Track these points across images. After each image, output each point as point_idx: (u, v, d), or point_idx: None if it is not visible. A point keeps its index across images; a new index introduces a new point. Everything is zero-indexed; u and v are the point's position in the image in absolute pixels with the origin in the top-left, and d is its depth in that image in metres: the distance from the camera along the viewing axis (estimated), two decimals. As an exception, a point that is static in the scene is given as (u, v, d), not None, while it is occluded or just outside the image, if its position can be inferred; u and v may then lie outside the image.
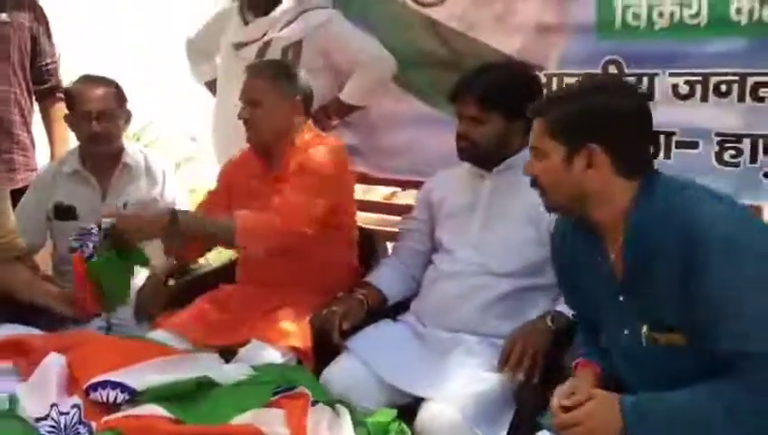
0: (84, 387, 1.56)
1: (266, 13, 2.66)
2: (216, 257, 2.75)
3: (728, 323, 1.28)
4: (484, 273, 1.96)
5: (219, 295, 2.27)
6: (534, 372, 1.74)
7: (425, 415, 1.69)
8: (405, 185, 3.04)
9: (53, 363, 1.61)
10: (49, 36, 2.76)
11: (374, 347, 1.92)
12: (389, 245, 2.48)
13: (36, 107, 2.82)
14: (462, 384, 1.74)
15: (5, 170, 2.59)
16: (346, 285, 2.23)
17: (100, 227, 1.96)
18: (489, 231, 2.00)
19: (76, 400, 1.52)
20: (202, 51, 3.00)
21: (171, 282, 2.43)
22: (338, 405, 1.60)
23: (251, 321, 2.13)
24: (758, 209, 2.22)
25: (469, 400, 1.69)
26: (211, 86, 3.01)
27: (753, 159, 2.26)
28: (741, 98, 2.25)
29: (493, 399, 1.74)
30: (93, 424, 1.48)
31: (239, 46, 2.71)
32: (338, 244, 2.28)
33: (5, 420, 1.47)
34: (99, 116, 2.33)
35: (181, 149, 4.04)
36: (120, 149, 2.43)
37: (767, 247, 1.32)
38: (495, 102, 1.94)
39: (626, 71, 2.42)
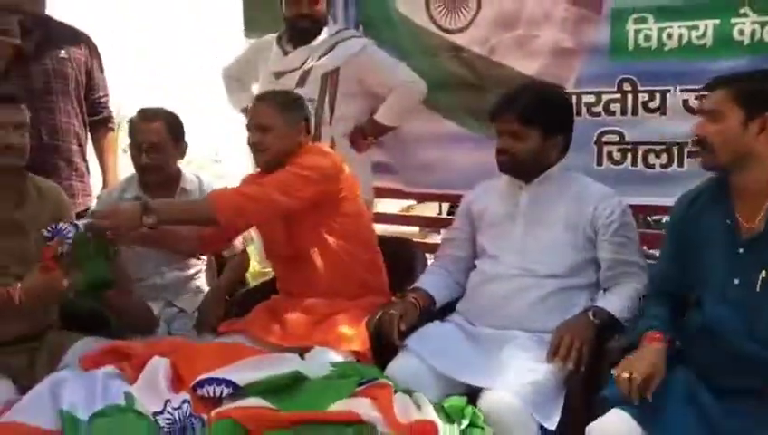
0: (191, 384, 1.75)
1: (305, 43, 2.86)
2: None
3: None
4: (528, 275, 2.17)
5: (272, 305, 2.44)
6: (582, 361, 1.95)
7: (486, 402, 1.88)
8: (435, 199, 3.25)
9: (159, 365, 1.80)
10: (101, 70, 2.95)
11: (430, 345, 2.11)
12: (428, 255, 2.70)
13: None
14: (517, 374, 1.93)
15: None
16: (383, 292, 2.45)
17: (74, 224, 1.98)
18: (530, 237, 2.21)
19: (185, 396, 1.71)
20: (238, 79, 3.20)
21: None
22: (416, 393, 1.80)
23: (307, 328, 2.30)
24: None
25: (525, 388, 1.89)
26: (247, 113, 3.21)
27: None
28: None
29: (546, 387, 1.94)
30: (204, 416, 1.67)
31: (279, 75, 2.91)
32: (367, 256, 2.47)
33: (126, 414, 1.66)
34: (148, 148, 2.51)
35: (208, 169, 4.21)
36: (178, 175, 2.62)
37: None
38: (535, 119, 2.15)
39: (639, 88, 2.65)
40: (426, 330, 2.19)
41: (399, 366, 2.07)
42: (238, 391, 1.73)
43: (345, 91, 2.84)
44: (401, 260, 2.63)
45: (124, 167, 3.02)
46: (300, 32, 2.85)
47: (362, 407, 1.67)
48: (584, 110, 2.72)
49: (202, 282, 2.69)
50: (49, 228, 1.96)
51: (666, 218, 3.24)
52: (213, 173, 4.33)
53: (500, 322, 2.15)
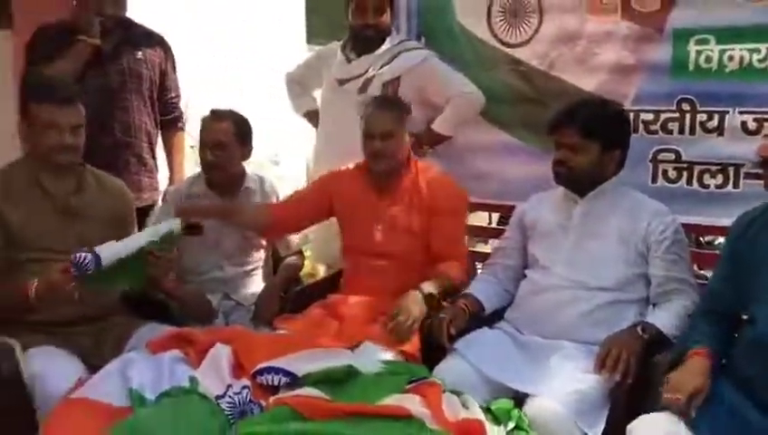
0: (251, 372, 1.84)
1: (368, 52, 2.96)
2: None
3: None
4: (578, 287, 2.21)
5: (329, 303, 2.54)
6: (629, 373, 1.98)
7: (532, 408, 1.93)
8: (486, 208, 3.29)
9: (221, 352, 1.90)
10: (174, 71, 3.09)
11: (479, 350, 2.17)
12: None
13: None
14: (563, 382, 1.98)
15: (134, 190, 2.90)
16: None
17: (95, 257, 1.97)
18: (582, 249, 2.25)
19: (245, 382, 1.82)
20: (302, 85, 3.31)
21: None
22: (464, 394, 1.86)
23: (361, 326, 2.39)
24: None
25: (571, 396, 1.93)
26: (310, 117, 3.32)
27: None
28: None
29: (591, 396, 1.97)
30: (263, 402, 1.76)
31: (342, 82, 3.01)
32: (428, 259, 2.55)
33: (190, 396, 1.76)
34: (214, 147, 2.63)
35: (267, 170, 4.35)
36: (242, 175, 2.73)
37: None
38: (595, 132, 2.19)
39: (698, 108, 2.66)
40: (475, 335, 2.25)
41: (448, 368, 2.13)
42: (295, 381, 1.82)
43: (404, 99, 2.92)
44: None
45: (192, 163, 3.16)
46: (364, 41, 2.94)
47: (412, 403, 1.74)
48: (641, 127, 2.73)
49: (259, 278, 2.79)
50: (75, 257, 1.96)
51: (719, 240, 3.25)
52: (272, 174, 4.45)
53: (549, 331, 2.20)
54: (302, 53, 4.86)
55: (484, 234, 3.58)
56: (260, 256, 2.81)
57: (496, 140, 3.06)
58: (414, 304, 2.28)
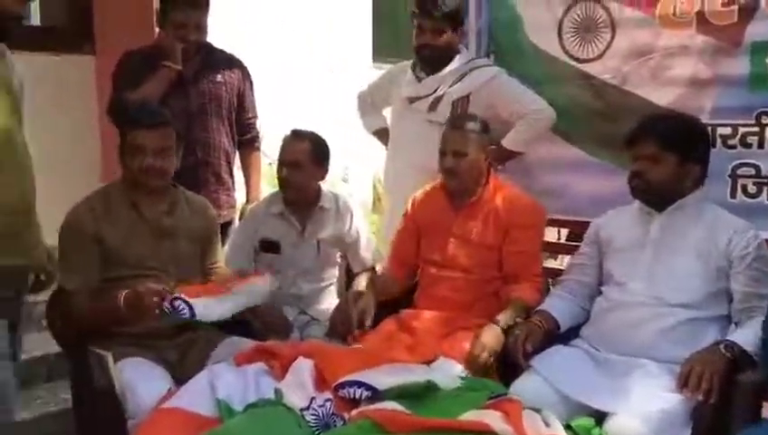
0: (333, 385, 1.89)
1: (438, 71, 3.00)
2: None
3: None
4: (656, 304, 2.18)
5: (402, 318, 2.58)
6: (712, 393, 1.94)
7: (613, 427, 1.92)
8: (557, 224, 3.27)
9: (304, 365, 1.96)
10: (252, 93, 3.20)
11: (556, 367, 2.16)
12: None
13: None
14: (645, 401, 1.96)
15: (213, 207, 3.00)
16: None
17: (191, 312, 2.07)
18: (660, 265, 2.22)
19: (328, 395, 1.87)
20: (373, 104, 3.38)
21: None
22: (544, 411, 1.86)
23: (434, 341, 2.42)
24: None
25: (653, 415, 1.91)
26: (380, 135, 3.38)
27: None
28: None
29: (673, 416, 1.95)
30: (345, 415, 1.81)
31: (412, 100, 3.06)
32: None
33: (277, 408, 1.82)
34: (290, 166, 2.71)
35: (337, 188, 4.42)
36: (318, 195, 2.80)
37: None
38: (673, 144, 2.17)
39: (778, 122, 2.60)
40: (551, 352, 2.24)
41: (524, 385, 2.13)
42: (375, 395, 1.86)
43: (474, 117, 2.95)
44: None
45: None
46: (423, 60, 2.99)
47: (493, 419, 1.76)
48: (719, 141, 2.68)
49: (333, 294, 2.86)
50: (174, 305, 2.05)
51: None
52: (341, 192, 4.54)
53: (627, 349, 2.17)
54: (368, 71, 4.94)
55: (552, 249, 3.56)
56: (334, 272, 2.87)
57: (566, 156, 3.06)
58: (491, 338, 2.30)
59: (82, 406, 2.26)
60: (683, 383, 1.97)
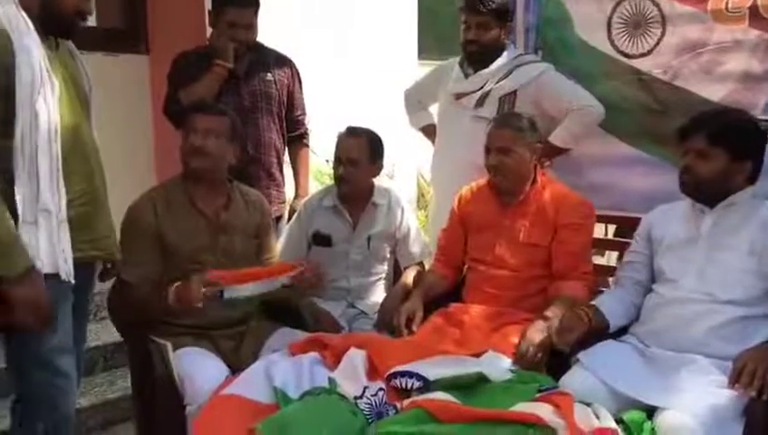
0: (386, 375, 1.94)
1: (485, 67, 3.02)
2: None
3: None
4: (707, 300, 2.17)
5: (450, 312, 2.60)
6: (765, 389, 1.93)
7: (665, 421, 1.91)
8: (606, 220, 3.26)
9: (357, 356, 2.01)
10: (301, 91, 3.26)
11: (604, 362, 2.16)
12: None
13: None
14: (696, 397, 1.95)
15: (264, 203, 3.08)
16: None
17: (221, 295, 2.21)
18: (711, 262, 2.21)
19: (380, 384, 1.92)
20: (419, 101, 3.41)
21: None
22: (595, 404, 1.87)
23: (482, 335, 2.44)
24: None
25: (705, 410, 1.90)
26: (427, 131, 3.41)
27: None
28: None
29: (725, 411, 1.94)
30: (397, 404, 1.85)
31: (459, 96, 3.08)
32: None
33: (331, 396, 1.88)
34: (346, 162, 2.76)
35: (385, 184, 4.45)
36: (371, 190, 2.85)
37: None
38: (722, 139, 2.16)
39: (836, 116, 2.56)
40: (600, 347, 2.24)
41: (573, 380, 2.14)
42: (426, 385, 1.90)
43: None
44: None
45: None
46: (470, 56, 3.01)
47: (544, 411, 1.78)
48: (773, 137, 2.65)
49: (382, 288, 2.90)
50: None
51: None
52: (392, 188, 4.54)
53: (677, 345, 2.16)
54: (413, 68, 4.97)
55: (600, 246, 3.54)
56: (384, 267, 2.92)
57: (615, 151, 3.04)
58: (537, 333, 2.31)
59: (143, 393, 2.35)
60: (735, 380, 1.96)
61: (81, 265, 1.95)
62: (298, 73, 3.24)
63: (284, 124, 3.20)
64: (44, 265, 1.81)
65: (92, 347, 3.20)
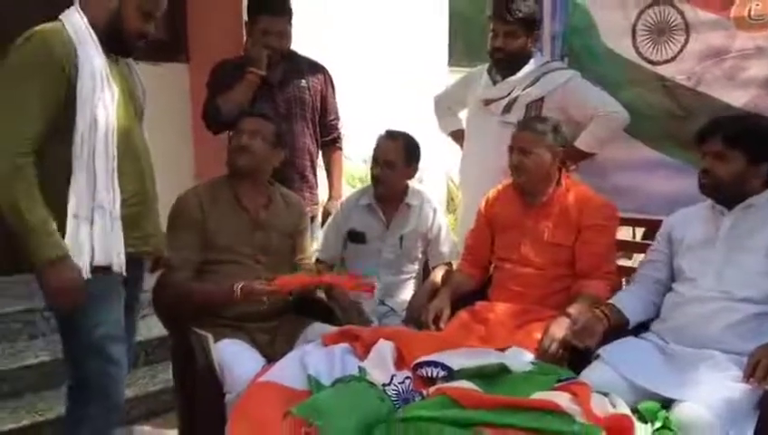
0: (412, 365, 2.05)
1: (513, 74, 3.11)
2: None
3: None
4: (725, 298, 2.24)
5: (476, 309, 2.70)
6: (779, 383, 2.00)
7: (680, 413, 1.99)
8: (631, 223, 3.32)
9: (385, 346, 2.13)
10: (334, 97, 3.39)
11: (624, 356, 2.25)
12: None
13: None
14: (712, 390, 2.03)
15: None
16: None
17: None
18: (729, 262, 2.28)
19: (407, 373, 2.03)
20: (449, 107, 3.52)
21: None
22: (611, 393, 1.96)
23: (507, 332, 2.54)
24: None
25: (720, 403, 1.98)
26: (456, 136, 3.52)
27: None
28: None
29: (740, 404, 2.01)
30: (423, 392, 1.96)
31: (488, 102, 3.18)
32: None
33: (360, 382, 2.00)
34: (383, 164, 2.89)
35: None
36: (405, 191, 2.98)
37: None
38: (739, 142, 2.23)
39: None
40: (620, 343, 2.33)
41: (593, 373, 2.22)
42: (450, 374, 2.01)
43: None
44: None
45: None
46: (497, 63, 3.11)
47: (562, 399, 1.87)
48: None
49: (412, 287, 3.01)
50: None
51: None
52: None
53: (695, 341, 2.24)
54: (443, 75, 5.08)
55: (627, 248, 3.60)
56: (414, 267, 3.04)
57: (640, 155, 3.11)
58: (560, 330, 2.39)
59: (185, 383, 2.49)
60: (750, 374, 2.03)
61: (132, 261, 2.10)
62: (331, 80, 3.36)
63: (318, 129, 3.32)
64: (98, 258, 1.96)
65: (135, 342, 3.35)
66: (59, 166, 1.94)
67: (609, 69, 3.16)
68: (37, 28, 1.98)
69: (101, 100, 1.97)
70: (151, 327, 3.32)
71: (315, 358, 2.11)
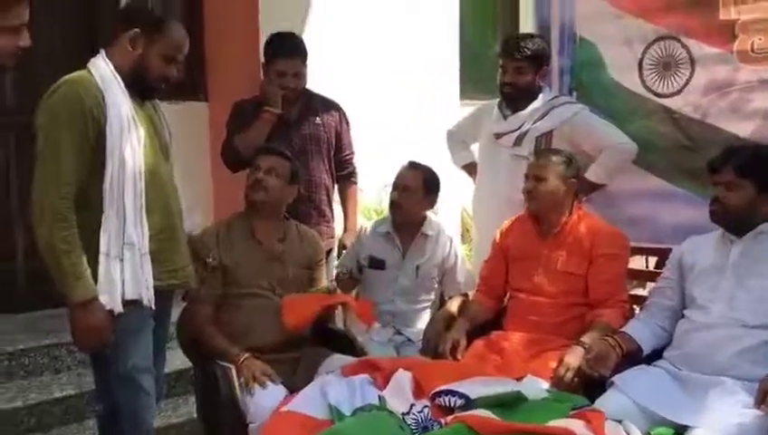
0: (430, 394, 2.11)
1: (522, 108, 3.20)
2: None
3: None
4: (736, 325, 2.29)
5: (492, 339, 2.75)
6: (789, 409, 2.03)
7: (693, 440, 2.03)
8: (642, 253, 3.37)
9: (404, 376, 2.20)
10: (349, 132, 3.48)
11: (638, 384, 2.29)
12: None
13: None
14: (724, 416, 2.07)
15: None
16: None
17: None
18: (740, 289, 2.33)
19: (426, 402, 2.09)
20: (462, 141, 3.61)
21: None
22: (624, 420, 2.01)
23: (523, 362, 2.59)
24: None
25: (731, 429, 2.03)
26: (468, 169, 3.60)
27: None
28: None
29: (751, 431, 2.05)
30: (442, 420, 2.01)
31: (499, 136, 3.27)
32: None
33: (381, 411, 2.06)
34: (401, 190, 2.99)
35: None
36: (423, 221, 3.06)
37: None
38: (750, 171, 2.30)
39: None
40: (633, 371, 2.37)
41: (607, 401, 2.26)
42: (468, 403, 2.06)
43: (558, 151, 3.12)
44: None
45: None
46: (506, 98, 3.21)
47: (577, 426, 1.92)
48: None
49: (428, 316, 3.07)
50: None
51: None
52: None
53: (708, 368, 2.28)
54: (455, 109, 5.17)
55: (641, 277, 3.64)
56: (430, 297, 3.10)
57: (649, 186, 3.17)
58: (575, 359, 2.44)
59: (208, 412, 2.55)
60: (761, 400, 2.07)
61: (161, 294, 2.18)
62: (345, 116, 3.46)
63: (333, 164, 3.41)
64: (128, 292, 2.05)
65: (164, 374, 3.42)
66: (92, 206, 2.03)
67: (618, 102, 3.24)
68: (66, 78, 2.11)
69: (129, 141, 2.08)
70: (173, 359, 3.38)
71: (336, 388, 2.17)
